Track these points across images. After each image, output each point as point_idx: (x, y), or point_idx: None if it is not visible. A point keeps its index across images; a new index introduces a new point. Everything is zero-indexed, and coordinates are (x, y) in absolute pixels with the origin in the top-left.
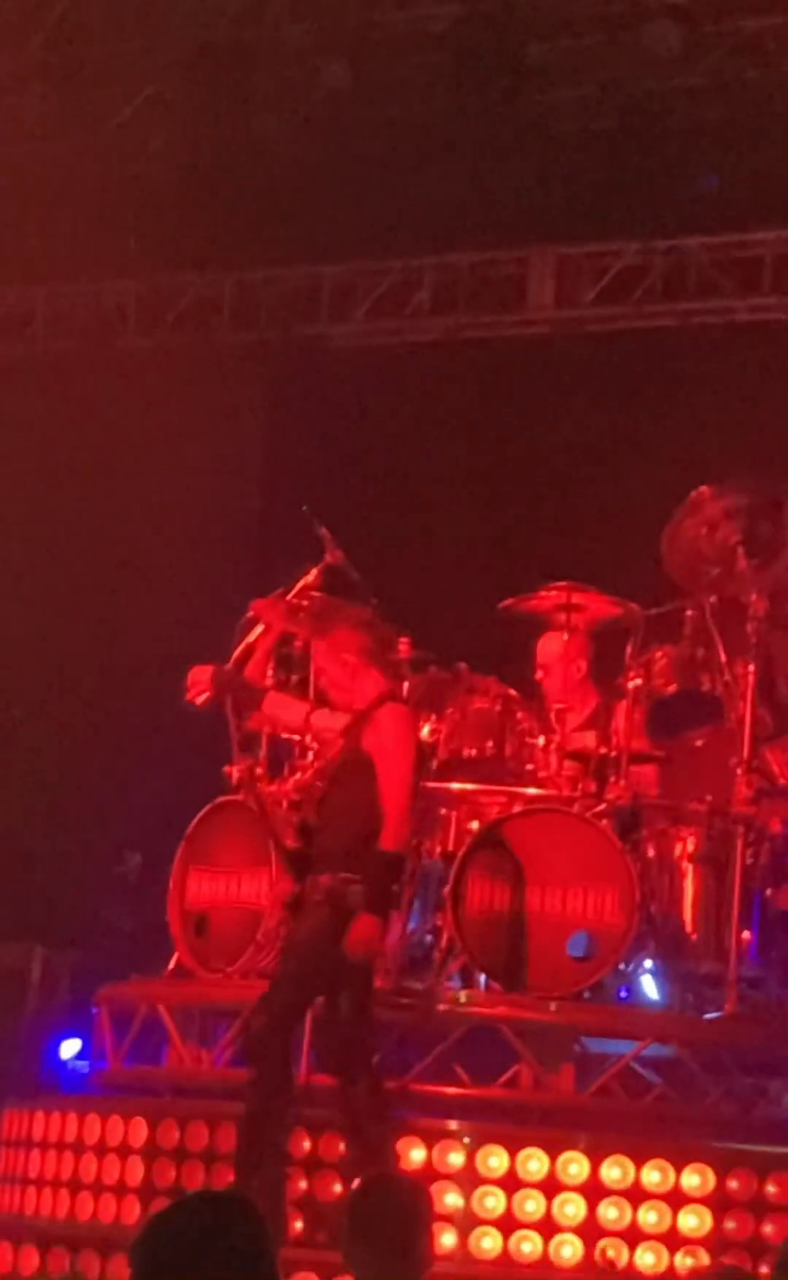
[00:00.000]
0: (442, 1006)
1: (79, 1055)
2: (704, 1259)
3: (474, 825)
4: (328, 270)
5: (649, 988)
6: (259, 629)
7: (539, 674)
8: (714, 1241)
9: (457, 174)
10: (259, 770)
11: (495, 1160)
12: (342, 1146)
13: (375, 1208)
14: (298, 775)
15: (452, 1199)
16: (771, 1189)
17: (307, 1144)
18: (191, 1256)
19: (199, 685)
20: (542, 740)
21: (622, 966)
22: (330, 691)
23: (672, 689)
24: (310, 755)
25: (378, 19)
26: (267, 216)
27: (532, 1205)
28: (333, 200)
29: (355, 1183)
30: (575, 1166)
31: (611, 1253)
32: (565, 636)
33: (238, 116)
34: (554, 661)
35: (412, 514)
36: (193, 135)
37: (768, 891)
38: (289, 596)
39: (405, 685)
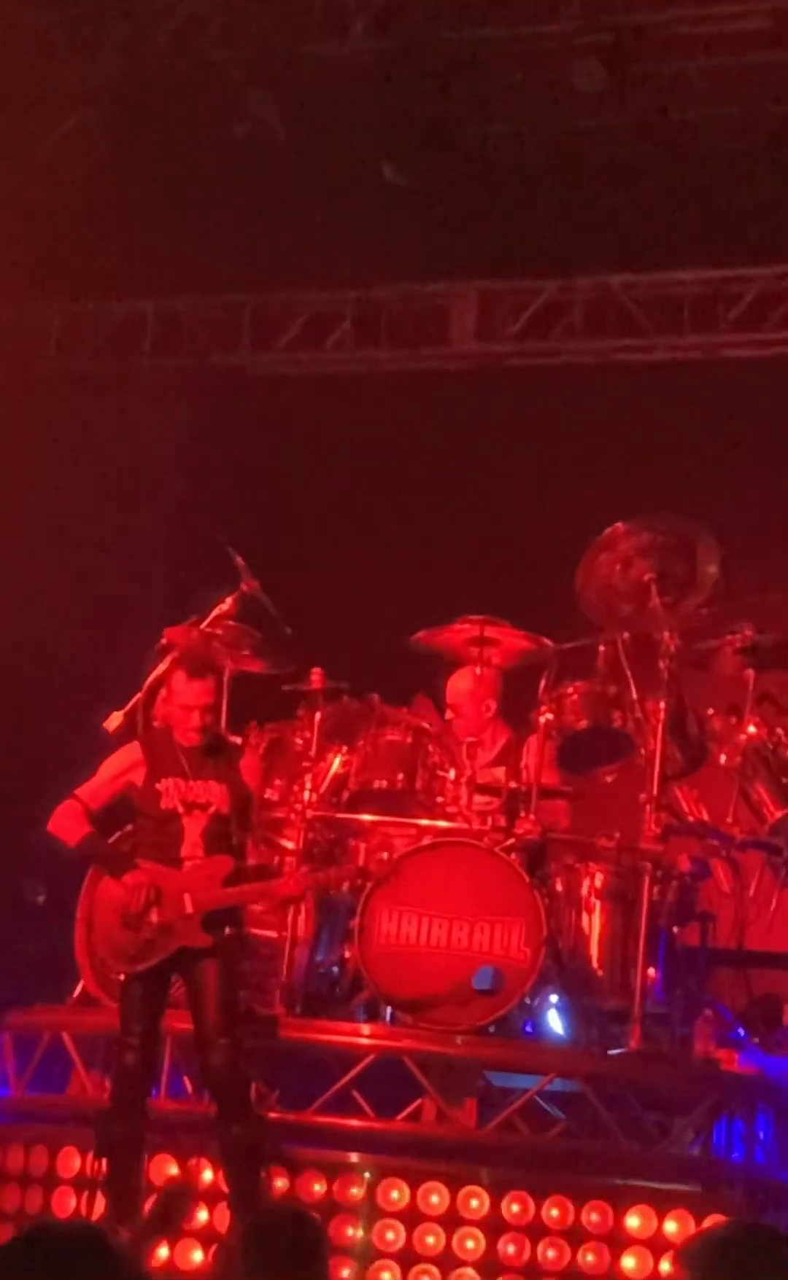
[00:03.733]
0: (346, 1039)
1: None
2: None
3: (383, 857)
4: (251, 299)
5: (554, 1023)
6: (172, 656)
7: (449, 714)
8: (612, 1278)
9: (381, 206)
10: None
11: (396, 1194)
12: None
13: (271, 1241)
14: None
15: (351, 1232)
16: (670, 1226)
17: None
18: None
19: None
20: (452, 773)
21: (527, 1001)
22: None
23: (583, 724)
24: None
25: (305, 51)
26: (191, 245)
27: (432, 1239)
28: (257, 230)
29: (250, 1216)
30: (476, 1201)
31: None
32: (478, 670)
33: (163, 145)
34: (465, 700)
35: (328, 544)
36: (118, 162)
37: (674, 928)
38: (203, 624)
39: (319, 715)
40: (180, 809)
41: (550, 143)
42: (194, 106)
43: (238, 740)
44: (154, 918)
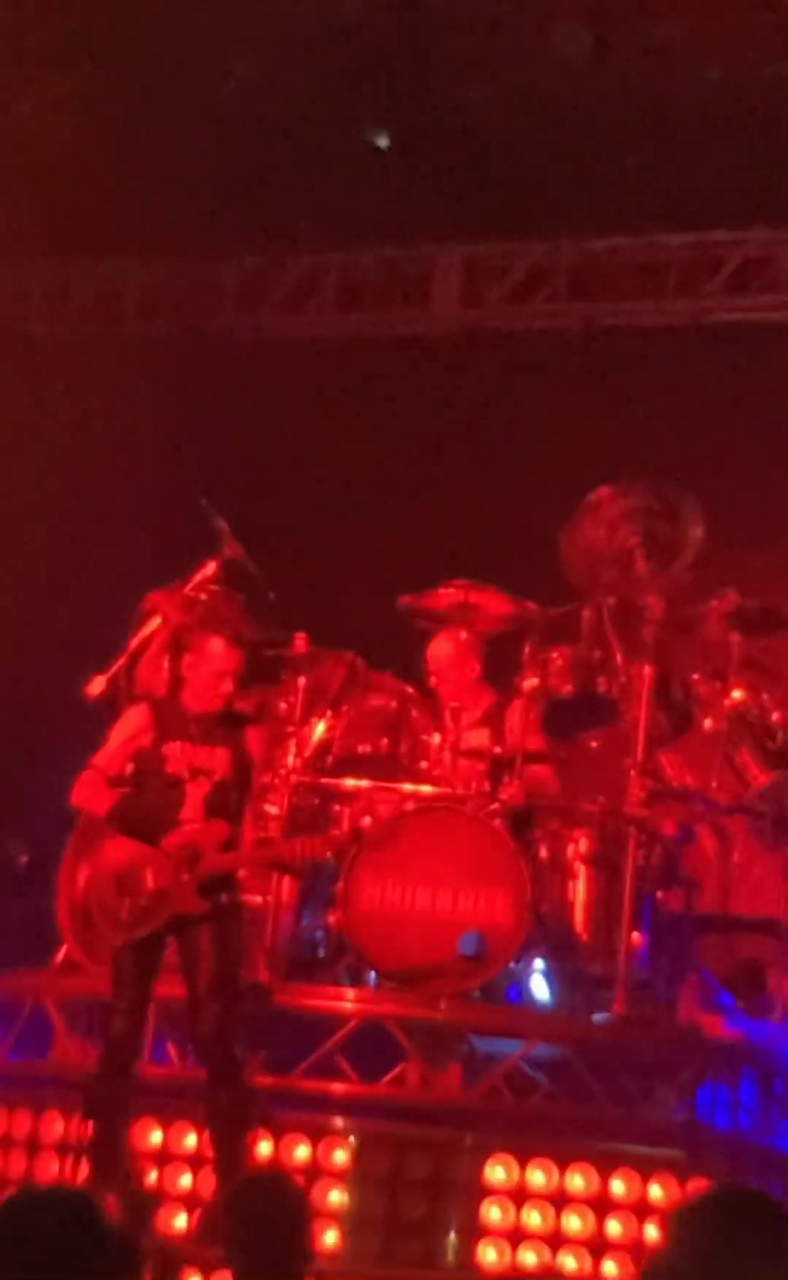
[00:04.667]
0: (330, 1004)
1: None
2: (586, 1261)
3: (367, 822)
4: (233, 264)
5: (539, 988)
6: (155, 621)
7: (432, 680)
8: (596, 1243)
9: (365, 170)
10: None
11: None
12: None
13: (255, 1206)
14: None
15: (335, 1197)
16: (654, 1191)
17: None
18: (25, 1250)
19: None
20: (436, 739)
21: (512, 966)
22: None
23: (568, 690)
24: None
25: (286, 12)
26: (173, 209)
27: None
28: (240, 193)
29: (236, 1181)
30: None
31: None
32: (462, 635)
33: (145, 108)
34: (446, 666)
35: (312, 509)
36: (100, 124)
37: (659, 894)
38: (186, 589)
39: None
40: (186, 774)
41: (535, 107)
42: (177, 69)
43: (246, 710)
44: (149, 883)
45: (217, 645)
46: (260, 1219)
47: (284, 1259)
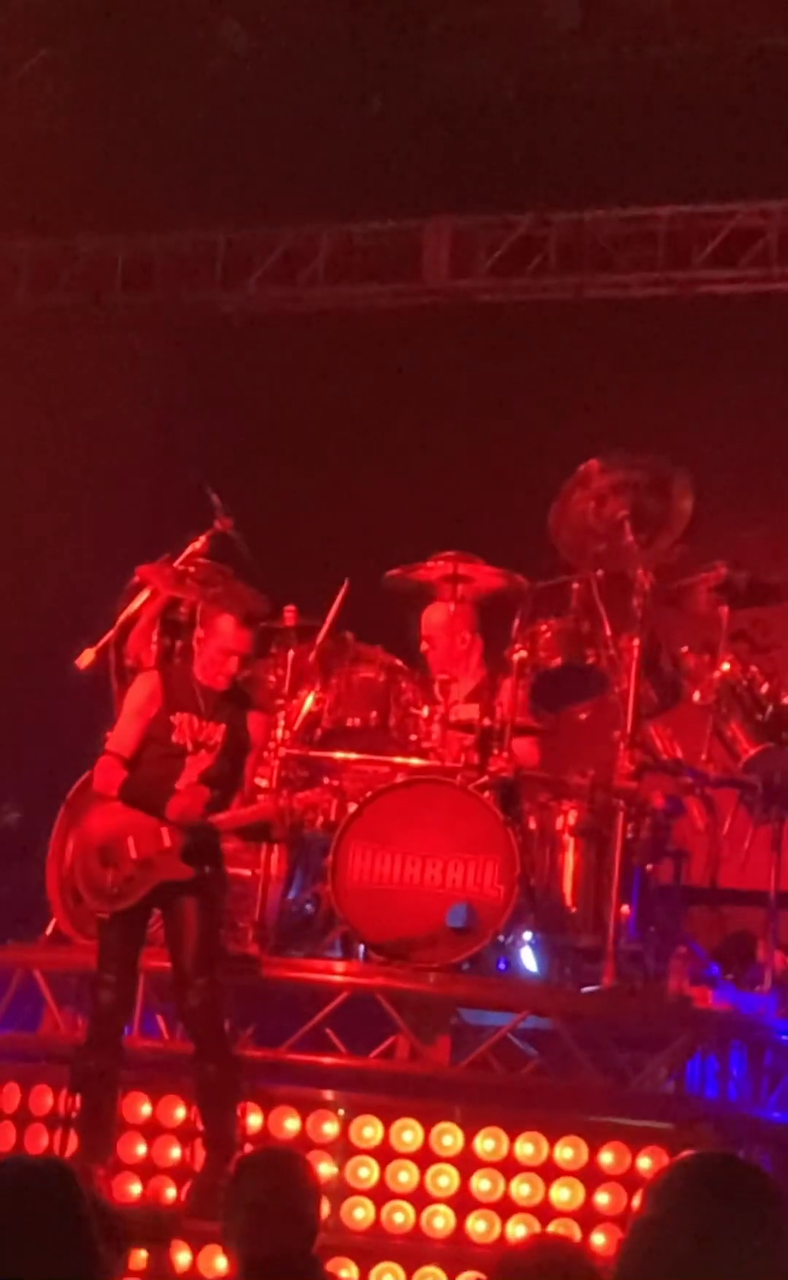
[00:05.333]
0: (320, 976)
1: None
2: (575, 1232)
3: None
4: (222, 235)
5: (528, 960)
6: (146, 594)
7: (424, 645)
8: (586, 1215)
9: (354, 141)
10: None
11: (370, 1130)
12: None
13: (260, 1181)
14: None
15: (325, 1168)
16: (643, 1163)
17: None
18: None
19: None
20: (426, 711)
21: (501, 939)
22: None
23: (557, 662)
24: None
25: None
26: (162, 180)
27: (405, 1176)
28: (228, 165)
29: (225, 1154)
30: (450, 1138)
31: None
32: (452, 607)
33: (134, 78)
34: (439, 633)
35: (301, 481)
36: (88, 96)
37: (648, 866)
38: (177, 562)
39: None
40: (189, 746)
41: (525, 78)
42: (165, 40)
43: (250, 691)
44: (134, 854)
45: (226, 624)
46: (266, 1195)
47: (291, 1234)
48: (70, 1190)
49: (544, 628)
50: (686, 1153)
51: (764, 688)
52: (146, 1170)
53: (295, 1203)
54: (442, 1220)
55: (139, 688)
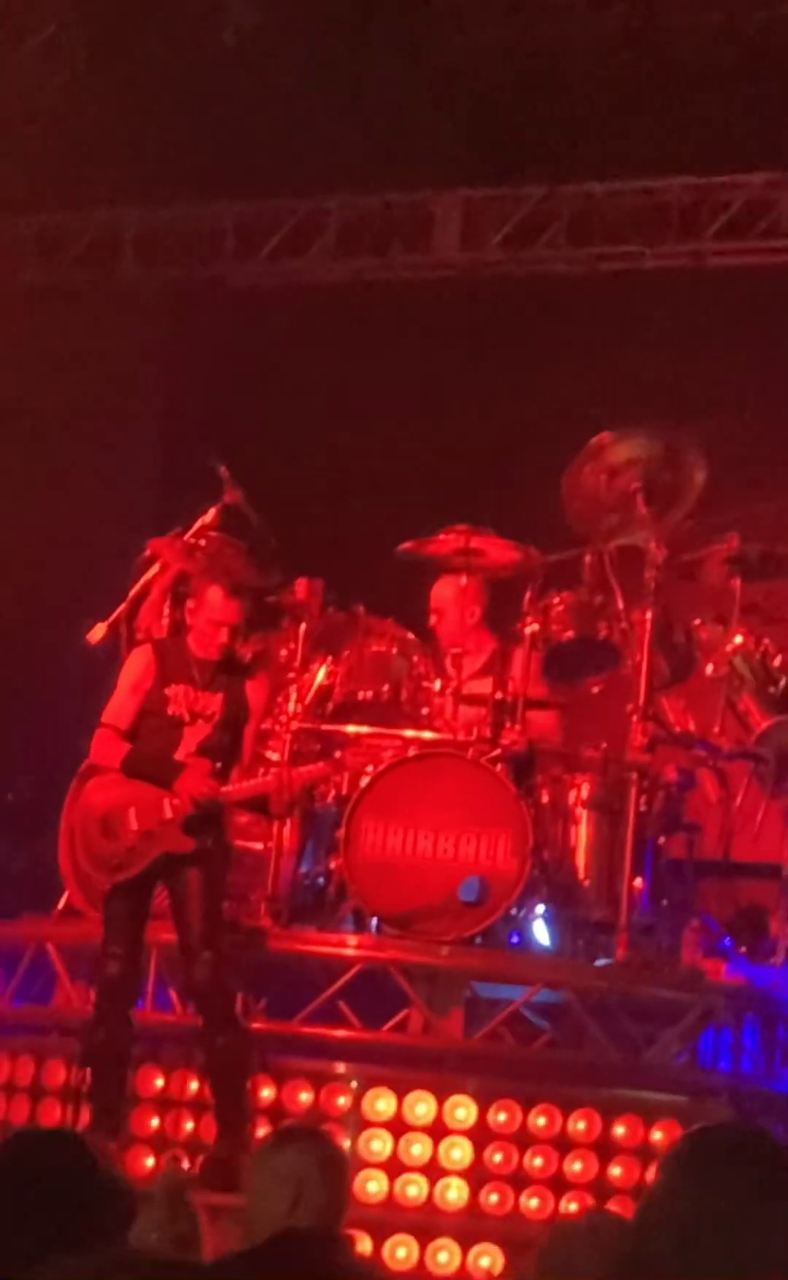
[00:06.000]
0: (332, 949)
1: None
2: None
3: (368, 768)
4: (232, 209)
5: (541, 933)
6: (156, 568)
7: (433, 619)
8: (599, 1187)
9: (364, 115)
10: None
11: (383, 1104)
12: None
13: (288, 1158)
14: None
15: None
16: (656, 1136)
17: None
18: (14, 1193)
19: None
20: (437, 684)
21: (513, 912)
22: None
23: (569, 635)
24: None
25: None
26: (171, 154)
27: (418, 1149)
28: (238, 139)
29: (238, 1128)
30: (463, 1111)
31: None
32: (463, 580)
33: (142, 52)
34: (448, 606)
35: (312, 454)
36: (96, 71)
37: (661, 839)
38: (187, 536)
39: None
40: (186, 717)
41: (535, 51)
42: (174, 12)
43: (247, 659)
44: (135, 825)
45: (214, 595)
46: (294, 1172)
47: (326, 1214)
48: (83, 1160)
49: (557, 601)
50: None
51: (777, 660)
52: (160, 1143)
53: (333, 1178)
54: (455, 1193)
55: (133, 661)
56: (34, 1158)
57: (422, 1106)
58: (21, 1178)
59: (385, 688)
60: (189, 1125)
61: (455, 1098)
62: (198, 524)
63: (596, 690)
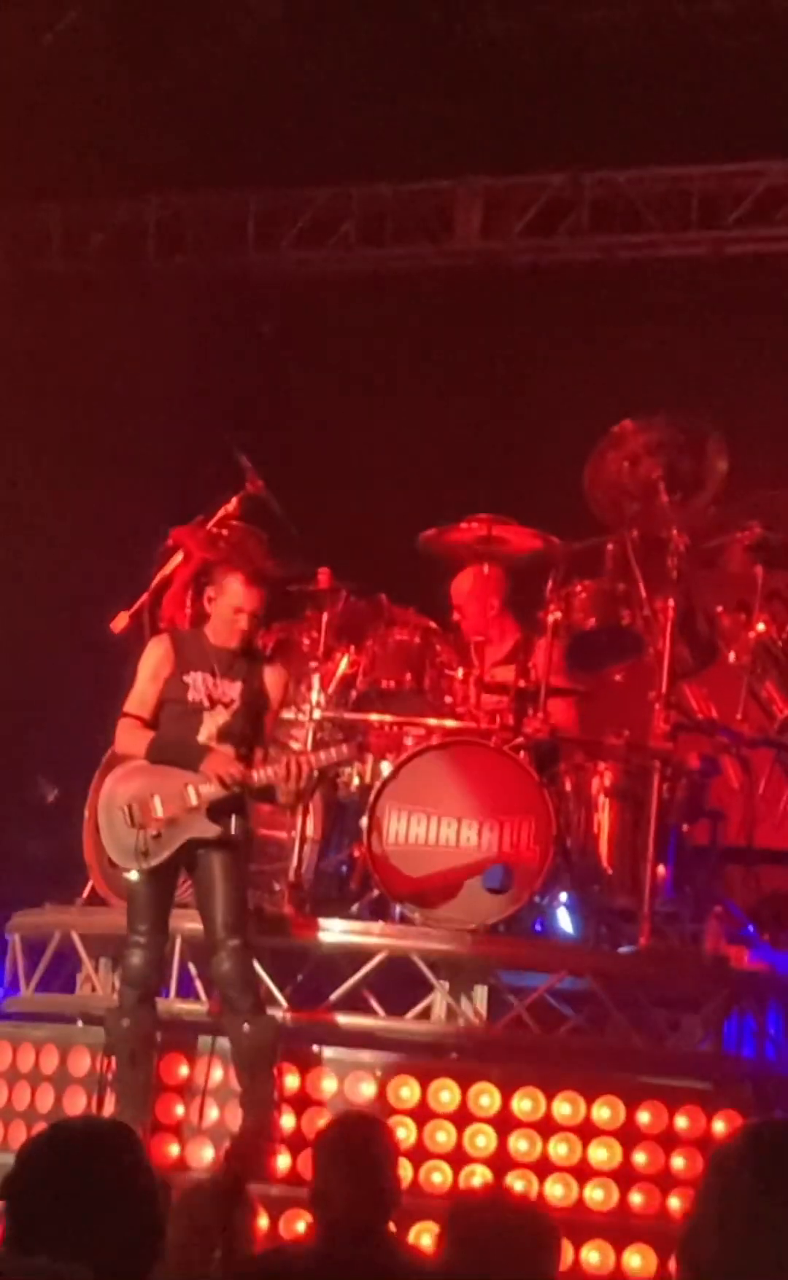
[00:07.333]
0: (356, 938)
1: None
2: (614, 1191)
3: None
4: (254, 198)
5: (564, 921)
6: (179, 557)
7: (455, 616)
8: (624, 1174)
9: (385, 103)
10: None
11: (407, 1091)
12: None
13: (345, 1147)
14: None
15: None
16: (681, 1122)
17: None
18: (65, 1182)
19: None
20: (460, 673)
21: (537, 899)
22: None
23: (592, 623)
24: None
25: None
26: (194, 143)
27: (443, 1136)
28: (260, 127)
29: (262, 1115)
30: (487, 1098)
31: None
32: (485, 569)
33: (164, 41)
34: (468, 600)
35: (333, 443)
36: (120, 60)
37: (684, 826)
38: (209, 525)
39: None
40: (205, 704)
41: (556, 38)
42: (195, 1)
43: (270, 645)
44: (160, 812)
45: (234, 583)
46: (351, 1161)
47: (374, 1200)
48: (135, 1152)
49: (579, 589)
50: (726, 1114)
51: None
52: (184, 1132)
53: (374, 1170)
54: (479, 1180)
55: (150, 651)
56: (76, 1147)
57: (446, 1094)
58: (63, 1167)
59: (408, 676)
60: (214, 1113)
61: (479, 1085)
62: (220, 513)
63: (618, 678)
